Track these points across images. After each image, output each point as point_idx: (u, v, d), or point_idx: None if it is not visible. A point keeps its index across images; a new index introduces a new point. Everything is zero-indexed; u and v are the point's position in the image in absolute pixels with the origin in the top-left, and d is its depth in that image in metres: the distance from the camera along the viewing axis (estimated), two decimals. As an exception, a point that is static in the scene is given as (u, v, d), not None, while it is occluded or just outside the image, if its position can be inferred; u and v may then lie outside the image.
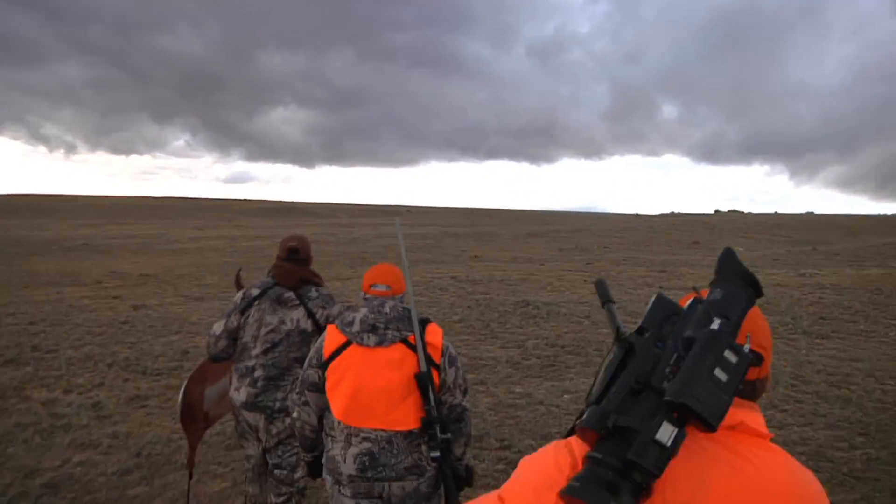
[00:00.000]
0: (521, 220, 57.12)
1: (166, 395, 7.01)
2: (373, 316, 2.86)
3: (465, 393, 2.90)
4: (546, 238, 32.59)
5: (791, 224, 41.92)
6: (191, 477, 4.52)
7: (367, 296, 3.00)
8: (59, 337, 9.87)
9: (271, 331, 3.67)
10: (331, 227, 46.17)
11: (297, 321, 3.70)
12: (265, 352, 3.65)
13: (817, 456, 5.33)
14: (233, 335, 3.73)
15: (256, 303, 3.73)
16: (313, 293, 3.79)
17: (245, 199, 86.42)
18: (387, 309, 2.89)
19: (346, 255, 24.19)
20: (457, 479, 2.81)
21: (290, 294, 3.75)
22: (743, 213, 66.59)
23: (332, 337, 2.88)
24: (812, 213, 59.14)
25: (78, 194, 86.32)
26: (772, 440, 1.12)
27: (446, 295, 13.82)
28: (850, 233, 35.18)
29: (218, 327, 3.75)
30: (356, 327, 2.85)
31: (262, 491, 3.90)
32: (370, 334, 2.82)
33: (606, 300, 1.27)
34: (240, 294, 3.84)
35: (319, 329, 3.69)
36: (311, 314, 3.71)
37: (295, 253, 3.86)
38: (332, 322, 3.53)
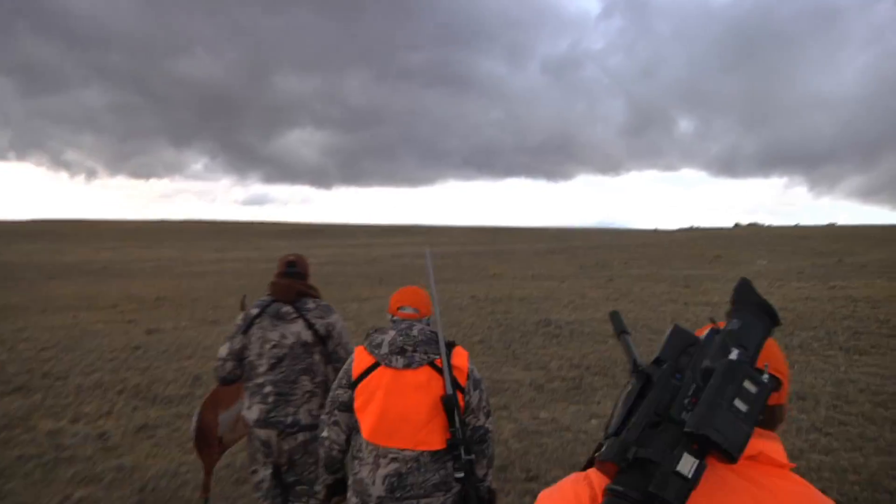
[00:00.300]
0: (539, 238, 56.79)
1: (175, 425, 6.74)
2: (401, 339, 2.89)
3: (487, 415, 2.94)
4: (566, 255, 32.23)
5: (814, 235, 41.23)
6: (206, 502, 4.45)
7: (395, 318, 3.04)
8: (70, 363, 9.67)
9: (274, 346, 3.71)
10: (349, 247, 46.13)
11: (298, 334, 3.73)
12: (272, 368, 3.69)
13: (872, 486, 4.90)
14: (239, 356, 3.77)
15: (257, 321, 3.77)
16: (310, 304, 3.81)
17: (264, 221, 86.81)
18: (415, 332, 2.92)
19: (365, 275, 23.99)
20: (479, 500, 2.84)
21: (288, 308, 3.78)
22: (763, 225, 65.87)
23: (360, 358, 2.92)
24: (834, 224, 58.32)
25: (98, 219, 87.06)
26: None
27: (466, 315, 13.51)
28: (876, 243, 34.41)
29: (224, 350, 3.79)
30: (384, 349, 2.89)
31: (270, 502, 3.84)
32: (398, 356, 2.86)
33: (621, 331, 1.26)
34: (241, 315, 3.88)
35: (320, 339, 3.75)
36: (310, 325, 3.74)
37: (292, 266, 3.92)
38: (332, 330, 3.77)
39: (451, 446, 2.76)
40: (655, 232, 66.04)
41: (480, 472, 2.90)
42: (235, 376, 3.80)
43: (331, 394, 3.01)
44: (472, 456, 2.81)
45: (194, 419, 4.39)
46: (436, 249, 35.73)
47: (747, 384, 0.97)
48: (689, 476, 0.93)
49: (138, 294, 19.15)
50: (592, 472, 1.08)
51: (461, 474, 2.75)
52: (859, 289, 15.91)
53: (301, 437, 3.66)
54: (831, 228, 51.27)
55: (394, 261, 31.37)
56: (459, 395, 2.81)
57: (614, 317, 1.29)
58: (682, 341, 1.09)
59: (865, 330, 10.75)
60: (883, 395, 7.14)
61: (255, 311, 3.79)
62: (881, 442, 5.77)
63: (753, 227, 62.47)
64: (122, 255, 40.41)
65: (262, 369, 3.69)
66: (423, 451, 2.77)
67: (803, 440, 5.80)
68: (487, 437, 2.92)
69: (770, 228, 58.15)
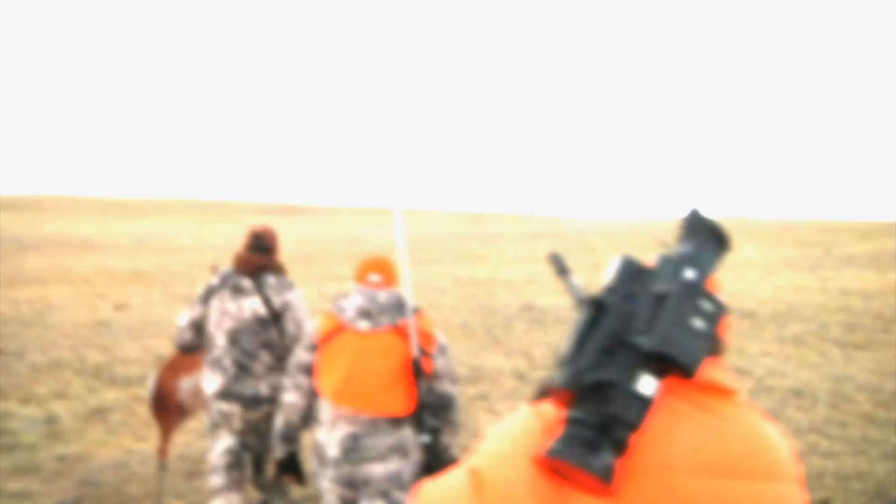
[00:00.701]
0: (524, 221, 56.41)
1: (131, 409, 6.30)
2: (366, 303, 2.91)
3: (454, 382, 2.97)
4: (550, 238, 31.86)
5: (800, 227, 41.11)
6: (163, 468, 4.39)
7: (361, 286, 3.01)
8: (29, 339, 9.18)
9: (232, 319, 3.69)
10: (333, 226, 45.56)
11: (255, 308, 3.70)
12: (230, 341, 3.68)
13: (880, 495, 4.54)
14: (198, 325, 3.77)
15: (217, 292, 3.75)
16: (270, 280, 3.78)
17: (248, 199, 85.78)
18: (380, 297, 2.94)
19: (348, 254, 23.48)
20: (442, 468, 2.44)
21: (247, 281, 3.75)
22: (750, 216, 65.82)
23: (325, 321, 2.93)
24: (819, 215, 58.19)
25: (80, 191, 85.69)
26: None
27: (447, 297, 13.11)
28: (862, 235, 34.27)
29: (183, 319, 3.82)
30: (350, 313, 2.90)
31: (228, 484, 3.72)
32: (363, 320, 2.87)
33: (564, 272, 1.20)
34: (202, 285, 3.89)
35: (275, 315, 3.70)
36: (265, 300, 3.70)
37: (259, 240, 3.87)
38: (288, 308, 3.72)
39: (418, 410, 2.78)
40: (642, 219, 65.78)
41: (446, 439, 2.91)
42: (194, 345, 3.82)
43: (293, 358, 3.02)
44: (438, 422, 2.84)
45: (151, 382, 4.37)
46: (420, 231, 35.28)
47: (704, 303, 0.98)
48: (648, 395, 0.93)
49: (113, 268, 18.59)
50: (543, 403, 1.05)
51: (426, 438, 2.79)
52: (850, 281, 15.63)
53: (266, 407, 3.62)
54: (816, 220, 51.27)
55: (377, 240, 30.89)
56: (426, 360, 2.83)
57: (555, 259, 1.23)
58: (632, 269, 1.06)
59: (860, 324, 10.43)
60: (883, 395, 6.78)
61: (215, 282, 3.78)
62: (885, 446, 5.41)
63: (740, 217, 62.47)
64: (102, 228, 39.59)
65: (219, 341, 3.68)
66: (382, 416, 2.78)
67: (803, 442, 5.42)
68: (454, 403, 2.96)
69: (756, 220, 58.15)
